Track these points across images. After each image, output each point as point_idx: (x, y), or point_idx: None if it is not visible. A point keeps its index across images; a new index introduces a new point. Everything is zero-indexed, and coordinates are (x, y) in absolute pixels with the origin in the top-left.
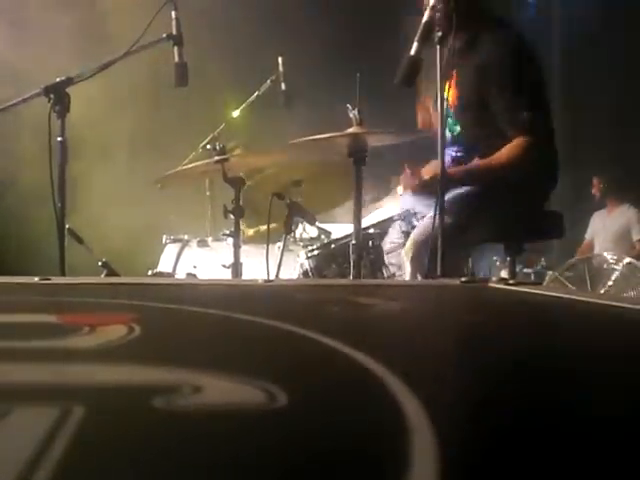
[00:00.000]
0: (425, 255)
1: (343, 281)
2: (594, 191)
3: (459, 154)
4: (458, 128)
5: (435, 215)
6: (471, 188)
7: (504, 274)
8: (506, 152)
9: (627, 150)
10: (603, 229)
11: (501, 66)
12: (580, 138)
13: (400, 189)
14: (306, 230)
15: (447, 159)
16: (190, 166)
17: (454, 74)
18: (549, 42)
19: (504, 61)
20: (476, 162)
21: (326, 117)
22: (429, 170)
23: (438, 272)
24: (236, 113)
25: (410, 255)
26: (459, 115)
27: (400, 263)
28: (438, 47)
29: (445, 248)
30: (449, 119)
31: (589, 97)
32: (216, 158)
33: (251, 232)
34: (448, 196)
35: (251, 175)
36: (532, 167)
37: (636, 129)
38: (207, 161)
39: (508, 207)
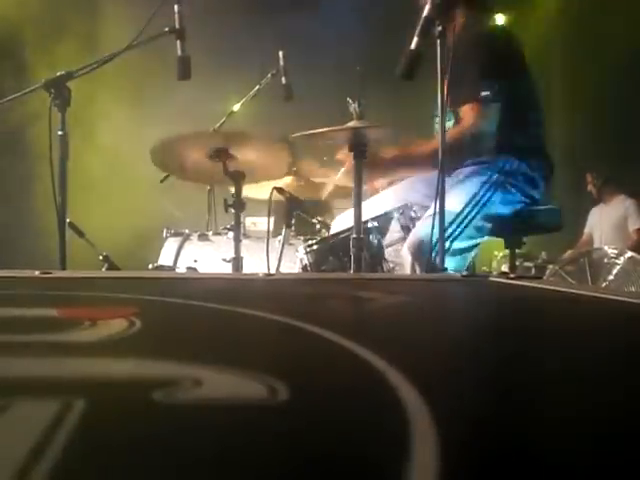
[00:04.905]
0: (424, 252)
1: (344, 275)
2: (589, 188)
3: None
4: (450, 123)
5: (435, 212)
6: (472, 181)
7: (504, 268)
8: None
9: (619, 146)
10: (601, 221)
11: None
12: (580, 135)
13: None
14: (306, 224)
15: None
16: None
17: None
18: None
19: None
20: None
21: (327, 111)
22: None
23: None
24: (237, 107)
25: (411, 252)
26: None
27: (398, 259)
28: (438, 42)
29: (443, 243)
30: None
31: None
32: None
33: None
34: (448, 189)
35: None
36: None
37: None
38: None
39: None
